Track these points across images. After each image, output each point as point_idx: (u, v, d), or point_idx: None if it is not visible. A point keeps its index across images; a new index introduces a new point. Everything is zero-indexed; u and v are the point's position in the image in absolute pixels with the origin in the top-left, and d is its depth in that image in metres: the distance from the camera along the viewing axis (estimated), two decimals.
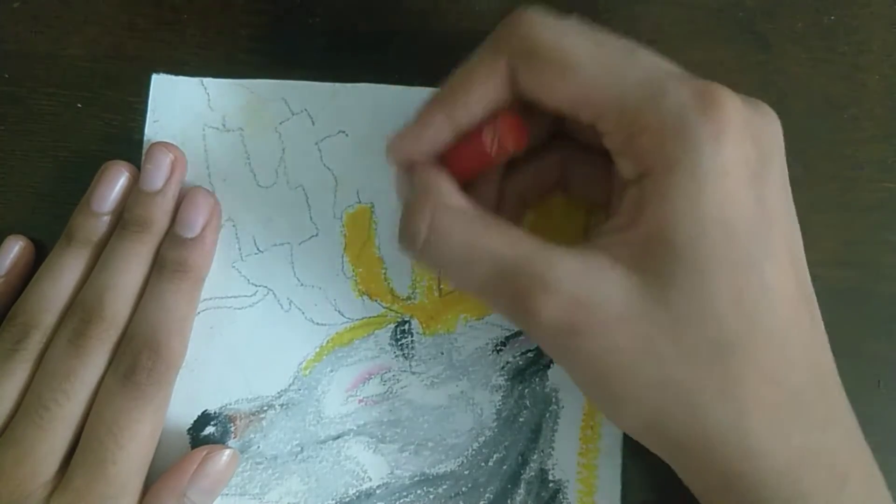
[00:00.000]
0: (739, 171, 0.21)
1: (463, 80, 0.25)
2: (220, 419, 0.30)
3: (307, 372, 0.31)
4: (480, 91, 0.24)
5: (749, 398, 0.21)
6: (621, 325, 0.21)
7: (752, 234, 0.21)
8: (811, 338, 0.22)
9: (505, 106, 0.25)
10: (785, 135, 0.31)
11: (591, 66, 0.22)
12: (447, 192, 0.25)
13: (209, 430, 0.30)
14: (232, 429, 0.30)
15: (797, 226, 0.23)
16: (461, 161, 0.26)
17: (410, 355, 0.31)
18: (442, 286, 0.31)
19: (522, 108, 0.25)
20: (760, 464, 0.21)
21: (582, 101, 0.23)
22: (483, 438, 0.30)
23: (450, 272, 0.25)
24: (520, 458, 0.30)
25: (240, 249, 0.31)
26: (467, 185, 0.28)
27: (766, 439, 0.21)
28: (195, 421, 0.30)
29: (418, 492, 0.30)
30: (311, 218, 0.32)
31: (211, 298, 0.31)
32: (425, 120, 0.25)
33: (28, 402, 0.28)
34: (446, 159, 0.26)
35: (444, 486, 0.30)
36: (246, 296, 0.31)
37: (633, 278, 0.21)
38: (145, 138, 0.32)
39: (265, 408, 0.31)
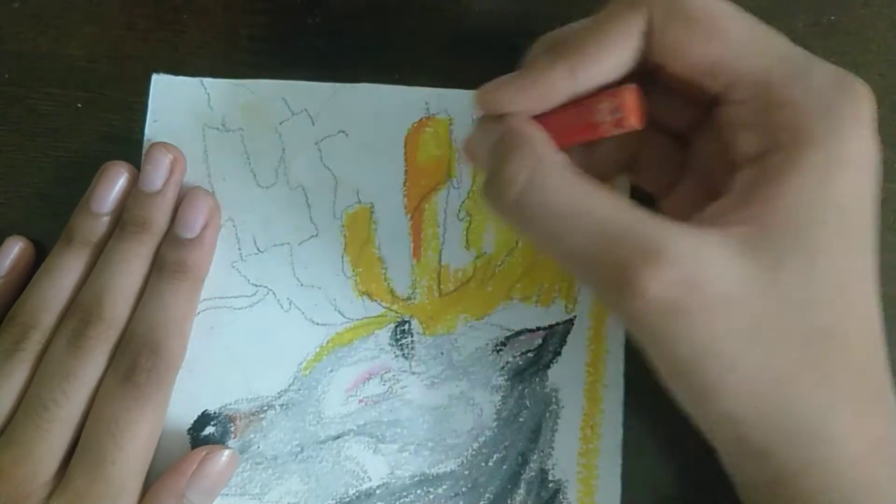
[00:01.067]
0: (867, 161, 0.22)
1: (595, 33, 0.23)
2: (219, 419, 0.30)
3: (307, 372, 0.31)
4: (616, 47, 0.22)
5: (841, 387, 0.21)
6: (728, 307, 0.21)
7: (862, 224, 0.22)
8: (882, 336, 0.23)
9: (627, 74, 0.23)
10: None
11: (741, 31, 0.22)
12: (550, 148, 0.23)
13: (209, 430, 0.30)
14: (232, 429, 0.30)
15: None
16: (561, 129, 0.23)
17: (410, 355, 0.31)
18: (442, 286, 0.31)
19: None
20: (842, 450, 0.22)
21: (723, 66, 0.22)
22: (483, 438, 0.30)
23: (543, 230, 0.22)
24: (520, 458, 0.30)
25: (240, 249, 0.31)
26: None
27: (852, 427, 0.22)
28: (195, 421, 0.30)
29: (418, 492, 0.30)
30: (311, 218, 0.32)
31: (211, 298, 0.31)
32: (542, 72, 0.23)
33: (27, 402, 0.28)
34: (541, 124, 0.24)
35: (444, 487, 0.30)
36: (246, 296, 0.31)
37: (747, 258, 0.21)
38: (145, 138, 0.32)
39: (265, 408, 0.31)
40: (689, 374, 0.22)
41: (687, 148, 0.26)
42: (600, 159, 0.27)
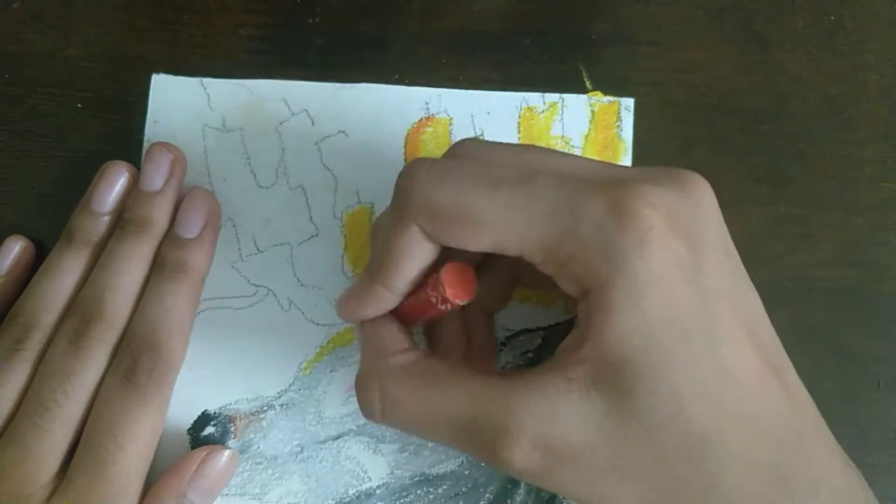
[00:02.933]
0: (673, 270, 0.21)
1: (386, 253, 0.24)
2: (219, 419, 0.30)
3: (307, 372, 0.31)
4: (407, 259, 0.24)
5: (732, 488, 0.21)
6: (593, 451, 0.21)
7: (700, 325, 0.21)
8: (785, 407, 0.22)
9: (437, 256, 0.24)
10: (785, 135, 0.32)
11: (495, 214, 0.22)
12: (393, 350, 0.25)
13: (209, 430, 0.30)
14: (232, 429, 0.30)
15: (752, 296, 0.23)
16: (414, 309, 0.25)
17: None
18: None
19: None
20: None
21: (500, 247, 0.22)
22: None
23: (415, 435, 0.24)
24: None
25: (240, 249, 0.31)
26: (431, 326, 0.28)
27: None
28: (195, 421, 0.30)
29: (418, 492, 0.30)
30: (311, 218, 0.32)
31: (211, 298, 0.31)
32: (366, 291, 0.25)
33: (28, 402, 0.28)
34: (400, 310, 0.26)
35: (444, 487, 0.30)
36: (246, 296, 0.31)
37: (594, 397, 0.21)
38: (145, 138, 0.32)
39: (265, 408, 0.31)
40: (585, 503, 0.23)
41: None
42: (488, 294, 0.28)
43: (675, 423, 0.20)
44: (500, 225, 0.22)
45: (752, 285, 0.23)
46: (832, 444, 0.23)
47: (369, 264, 0.25)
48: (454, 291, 0.24)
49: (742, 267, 0.23)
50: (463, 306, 0.24)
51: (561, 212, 0.21)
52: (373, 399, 0.24)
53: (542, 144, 0.32)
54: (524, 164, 0.23)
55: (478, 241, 0.22)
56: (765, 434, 0.21)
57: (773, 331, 0.23)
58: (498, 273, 0.28)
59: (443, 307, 0.24)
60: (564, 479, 0.22)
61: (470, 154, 0.24)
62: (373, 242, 0.26)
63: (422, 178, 0.23)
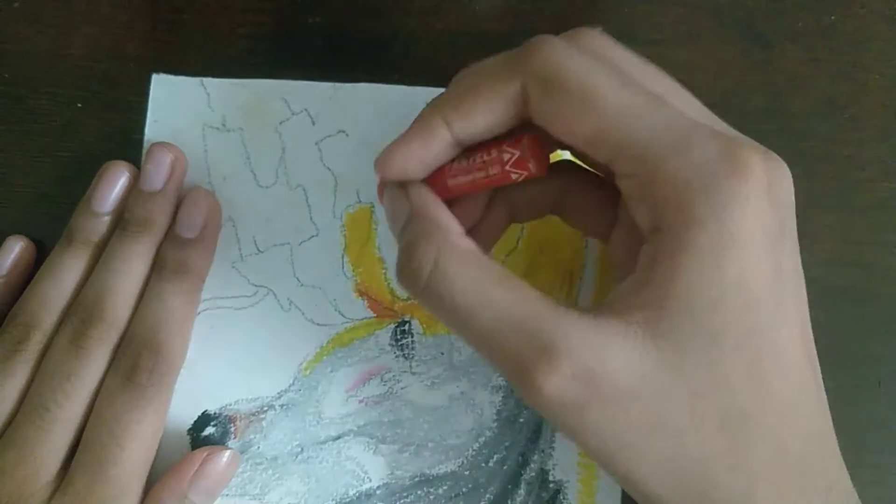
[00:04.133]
0: (762, 237, 0.20)
1: (470, 90, 0.23)
2: (220, 419, 0.30)
3: (307, 372, 0.31)
4: (489, 106, 0.22)
5: (759, 469, 0.20)
6: (633, 400, 0.20)
7: (769, 301, 0.21)
8: (817, 405, 0.22)
9: (508, 128, 0.23)
10: (785, 135, 0.32)
11: (616, 104, 0.21)
12: (454, 230, 0.23)
13: (209, 430, 0.30)
14: (232, 429, 0.30)
15: (805, 289, 0.23)
16: (464, 184, 0.24)
17: (411, 356, 0.31)
18: None
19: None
20: None
21: (601, 140, 0.21)
22: (483, 439, 0.30)
23: (449, 318, 0.22)
24: (520, 458, 0.30)
25: (240, 249, 0.31)
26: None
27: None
28: (195, 421, 0.30)
29: (418, 492, 0.30)
30: (311, 218, 0.31)
31: (211, 298, 0.31)
32: (425, 130, 0.23)
33: (28, 402, 0.28)
34: (437, 176, 0.24)
35: (445, 487, 0.30)
36: (246, 296, 0.31)
37: (648, 346, 0.20)
38: (145, 138, 0.32)
39: (265, 408, 0.31)
40: (603, 462, 0.22)
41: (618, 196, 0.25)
42: (524, 202, 0.27)
43: (719, 392, 0.20)
44: (615, 116, 0.21)
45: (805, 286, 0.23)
46: (839, 456, 0.23)
47: (434, 102, 0.23)
48: (538, 163, 0.22)
49: (801, 266, 0.23)
50: (494, 196, 0.24)
51: (678, 132, 0.21)
52: (425, 263, 0.22)
53: None
54: (654, 84, 0.22)
55: (583, 125, 0.21)
56: (797, 425, 0.21)
57: (811, 332, 0.23)
58: (545, 187, 0.27)
59: (514, 173, 0.23)
60: (593, 421, 0.20)
61: (602, 46, 0.23)
62: (452, 85, 0.24)
63: (555, 44, 0.22)
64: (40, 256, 0.31)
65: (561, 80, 0.21)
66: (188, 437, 0.30)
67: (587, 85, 0.21)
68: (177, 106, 0.32)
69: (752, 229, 0.20)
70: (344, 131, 0.32)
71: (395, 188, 0.25)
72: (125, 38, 0.33)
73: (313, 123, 0.32)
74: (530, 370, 0.20)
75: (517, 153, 0.22)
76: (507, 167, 0.23)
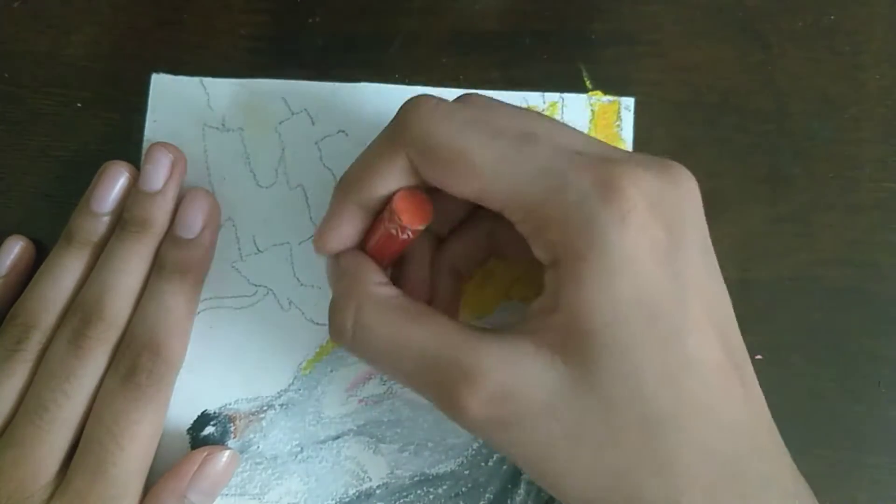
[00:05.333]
0: (649, 253, 0.21)
1: (366, 168, 0.25)
2: (219, 419, 0.30)
3: (307, 372, 0.31)
4: (383, 180, 0.24)
5: (683, 474, 0.21)
6: (550, 415, 0.21)
7: (670, 310, 0.21)
8: (743, 403, 0.22)
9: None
10: (785, 135, 0.32)
11: (488, 162, 0.22)
12: (372, 280, 0.25)
13: (209, 430, 0.30)
14: (231, 429, 0.30)
15: (722, 292, 0.23)
16: (377, 245, 0.26)
17: None
18: None
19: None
20: None
21: (484, 196, 0.23)
22: None
23: (378, 366, 0.24)
24: None
25: (239, 249, 0.31)
26: (399, 264, 0.28)
27: None
28: (195, 421, 0.30)
29: (418, 492, 0.30)
30: (310, 218, 0.32)
31: (211, 298, 0.31)
32: (337, 211, 0.25)
33: (28, 402, 0.28)
34: (366, 244, 0.26)
35: (445, 486, 0.30)
36: (246, 296, 0.31)
37: (559, 365, 0.21)
38: (145, 138, 0.32)
39: (265, 408, 0.31)
40: (533, 475, 0.23)
41: None
42: (461, 254, 0.28)
43: (633, 403, 0.21)
44: (491, 175, 0.22)
45: (724, 285, 0.23)
46: (782, 448, 0.23)
47: (342, 185, 0.25)
48: (408, 217, 0.24)
49: (717, 265, 0.23)
50: (434, 262, 0.26)
51: (552, 174, 0.22)
52: (346, 320, 0.24)
53: None
54: (526, 125, 0.23)
55: (464, 186, 0.23)
56: (721, 425, 0.21)
57: (738, 331, 0.23)
58: (474, 237, 0.28)
59: (402, 235, 0.24)
60: (517, 438, 0.22)
61: (476, 104, 0.24)
62: (351, 167, 0.26)
63: (425, 111, 0.23)
64: (40, 256, 0.31)
65: (434, 149, 0.23)
66: (188, 436, 0.30)
67: (458, 149, 0.22)
68: (176, 106, 0.32)
69: (638, 247, 0.21)
70: (344, 131, 0.32)
71: (329, 261, 0.27)
72: (125, 38, 0.33)
73: (313, 123, 0.32)
74: (453, 396, 0.22)
75: (393, 224, 0.24)
76: (387, 224, 0.25)
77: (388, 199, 0.25)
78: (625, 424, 0.21)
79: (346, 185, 0.25)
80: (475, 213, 0.28)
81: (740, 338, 0.23)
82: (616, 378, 0.21)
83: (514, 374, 0.21)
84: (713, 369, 0.21)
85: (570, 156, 0.22)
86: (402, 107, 0.24)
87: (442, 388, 0.22)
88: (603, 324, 0.21)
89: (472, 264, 0.29)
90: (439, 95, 0.24)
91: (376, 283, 0.25)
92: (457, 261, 0.28)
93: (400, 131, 0.23)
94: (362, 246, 0.26)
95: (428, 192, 0.25)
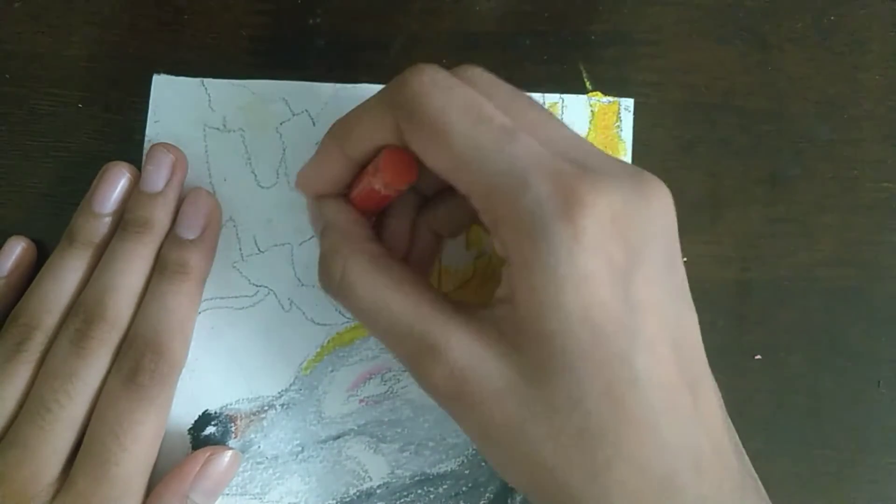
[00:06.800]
0: (600, 273, 0.21)
1: (356, 119, 0.25)
2: (220, 419, 0.30)
3: (308, 372, 0.31)
4: (370, 134, 0.25)
5: (616, 485, 0.21)
6: (499, 402, 0.22)
7: (619, 331, 0.21)
8: (691, 420, 0.22)
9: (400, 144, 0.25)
10: (785, 135, 0.32)
11: (465, 143, 0.22)
12: (361, 236, 0.26)
13: (210, 430, 0.30)
14: (233, 429, 0.30)
15: (684, 310, 0.23)
16: (361, 197, 0.26)
17: None
18: (442, 286, 0.31)
19: None
20: None
21: (453, 175, 0.23)
22: None
23: (359, 318, 0.25)
24: None
25: (241, 249, 0.32)
26: (381, 215, 0.28)
27: None
28: (196, 421, 0.30)
29: (419, 491, 0.30)
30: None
31: (212, 299, 0.31)
32: (324, 154, 0.26)
33: (30, 403, 0.28)
34: (350, 195, 0.27)
35: (445, 486, 0.30)
36: (247, 296, 0.31)
37: (513, 357, 0.22)
38: (146, 139, 0.32)
39: (266, 408, 0.31)
40: (481, 450, 0.24)
41: None
42: (443, 217, 0.29)
43: (574, 412, 0.21)
44: (463, 160, 0.22)
45: (690, 303, 0.23)
46: (735, 468, 0.23)
47: (333, 127, 0.26)
48: (392, 175, 0.25)
49: (685, 282, 0.23)
50: (415, 219, 0.27)
51: (516, 174, 0.21)
52: (335, 273, 0.25)
53: None
54: (516, 116, 0.23)
55: (437, 163, 0.23)
56: (662, 444, 0.21)
57: (701, 350, 0.23)
58: (457, 203, 0.28)
59: (384, 191, 0.25)
60: (466, 415, 0.23)
61: (475, 81, 0.24)
62: (342, 117, 0.26)
63: (424, 80, 0.23)
64: (41, 257, 0.31)
65: (419, 116, 0.23)
66: (189, 436, 0.30)
67: (440, 122, 0.22)
68: (178, 106, 0.32)
69: (588, 266, 0.21)
70: None
71: (311, 203, 0.28)
72: (126, 39, 0.33)
73: (314, 124, 0.32)
74: (421, 366, 0.23)
75: (378, 180, 0.25)
76: (371, 179, 0.25)
77: (373, 154, 0.25)
78: (564, 429, 0.21)
79: (336, 132, 0.26)
80: None
81: (702, 356, 0.23)
82: (560, 385, 0.21)
83: (474, 357, 0.22)
84: (661, 389, 0.21)
85: (543, 159, 0.22)
86: (406, 70, 0.24)
87: (411, 356, 0.23)
88: (551, 332, 0.21)
89: (453, 227, 0.29)
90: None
91: (365, 239, 0.26)
92: (438, 222, 0.29)
93: (394, 92, 0.24)
94: (346, 198, 0.27)
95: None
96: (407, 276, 0.24)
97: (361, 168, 0.26)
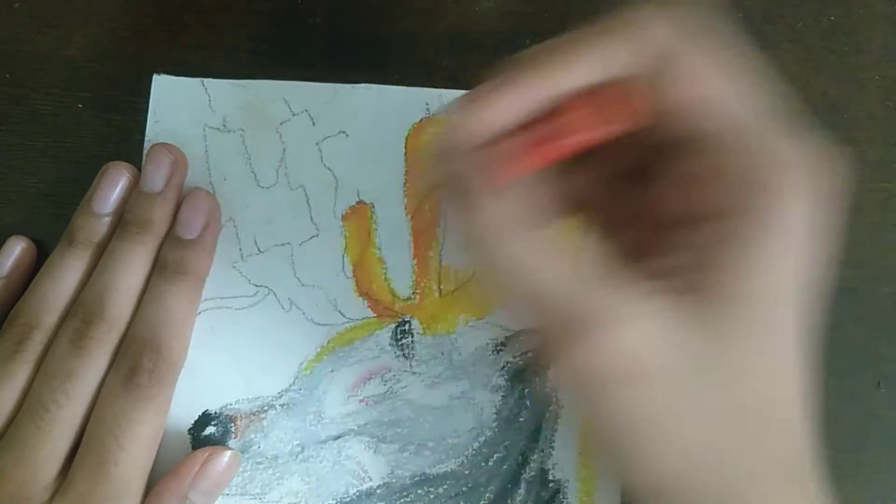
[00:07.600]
0: (821, 244, 0.21)
1: (584, 39, 0.21)
2: (220, 419, 0.30)
3: (308, 372, 0.31)
4: (589, 67, 0.21)
5: (765, 463, 0.21)
6: (669, 379, 0.20)
7: (798, 306, 0.21)
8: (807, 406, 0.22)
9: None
10: None
11: (739, 78, 0.21)
12: (513, 201, 0.21)
13: (210, 430, 0.30)
14: (232, 429, 0.30)
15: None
16: (536, 146, 0.21)
17: (411, 355, 0.31)
18: (442, 286, 0.31)
19: None
20: None
21: (718, 107, 0.21)
22: (483, 438, 0.30)
23: (504, 277, 0.21)
24: (520, 457, 0.30)
25: (240, 250, 0.32)
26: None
27: (774, 501, 0.21)
28: (196, 421, 0.30)
29: (419, 492, 0.30)
30: (311, 218, 0.32)
31: (212, 299, 0.31)
32: (516, 83, 0.21)
33: (29, 403, 0.28)
34: (515, 146, 0.21)
35: (445, 486, 0.30)
36: (247, 296, 0.31)
37: (693, 330, 0.20)
38: (146, 139, 0.32)
39: (266, 408, 0.31)
40: (623, 441, 0.21)
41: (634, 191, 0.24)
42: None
43: (747, 385, 0.20)
44: (732, 90, 0.21)
45: None
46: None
47: (528, 57, 0.21)
48: (623, 108, 0.21)
49: None
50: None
51: (784, 119, 0.20)
52: (488, 231, 0.21)
53: None
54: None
55: (710, 86, 0.21)
56: (801, 427, 0.21)
57: None
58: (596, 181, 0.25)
59: (593, 136, 0.21)
60: (623, 396, 0.20)
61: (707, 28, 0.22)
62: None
63: (663, 20, 0.21)
64: (41, 257, 0.31)
65: (702, 37, 0.21)
66: (189, 436, 0.30)
67: (720, 49, 0.21)
68: (178, 107, 0.32)
69: (824, 235, 0.20)
70: (344, 132, 0.32)
71: (451, 156, 0.22)
72: (126, 39, 0.33)
73: (314, 124, 0.32)
74: (574, 336, 0.20)
75: (615, 102, 0.21)
76: (583, 118, 0.21)
77: (557, 101, 0.21)
78: (734, 404, 0.20)
79: (545, 57, 0.21)
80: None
81: None
82: (746, 357, 0.20)
83: (641, 332, 0.20)
84: (806, 370, 0.21)
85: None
86: (631, 14, 0.21)
87: (563, 326, 0.20)
88: (764, 297, 0.20)
89: (580, 205, 0.25)
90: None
91: (524, 191, 0.21)
92: (579, 192, 0.25)
93: (650, 26, 0.20)
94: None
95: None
96: (564, 241, 0.21)
97: (535, 119, 0.21)
